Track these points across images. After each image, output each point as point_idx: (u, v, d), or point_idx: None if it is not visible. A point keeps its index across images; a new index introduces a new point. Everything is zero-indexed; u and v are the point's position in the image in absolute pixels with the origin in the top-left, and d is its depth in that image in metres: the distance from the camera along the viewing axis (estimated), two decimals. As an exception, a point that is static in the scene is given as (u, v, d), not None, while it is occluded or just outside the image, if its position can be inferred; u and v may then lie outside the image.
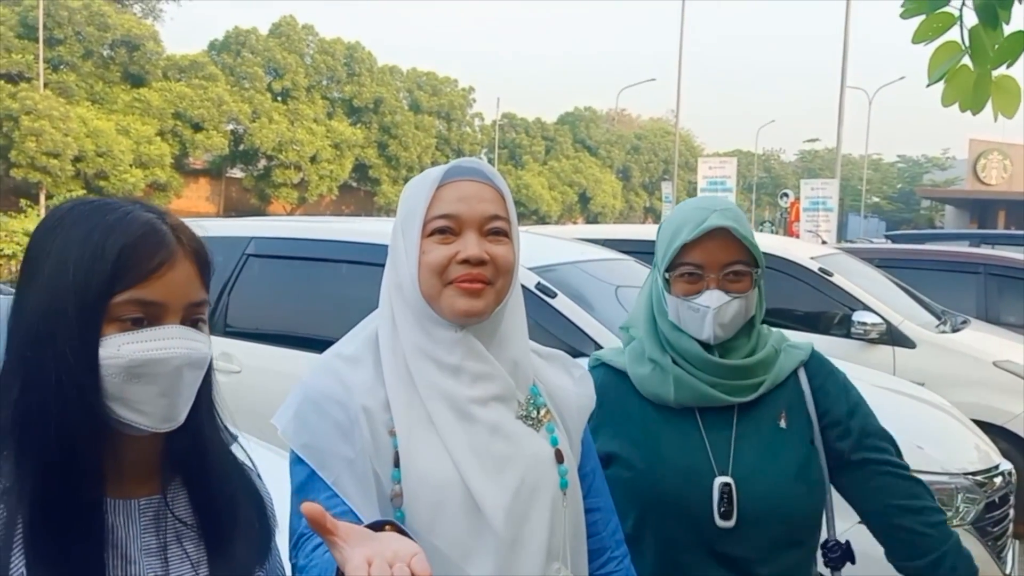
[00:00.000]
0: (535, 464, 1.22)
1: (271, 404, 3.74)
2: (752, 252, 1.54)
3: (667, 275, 1.56)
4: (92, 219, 0.97)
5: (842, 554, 1.67)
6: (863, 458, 1.60)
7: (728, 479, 1.51)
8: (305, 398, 1.24)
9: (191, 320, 1.00)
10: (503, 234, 1.24)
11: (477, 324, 1.22)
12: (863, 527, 2.59)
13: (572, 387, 1.36)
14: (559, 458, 1.26)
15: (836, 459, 1.60)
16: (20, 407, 0.94)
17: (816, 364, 1.66)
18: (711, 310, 1.51)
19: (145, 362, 0.94)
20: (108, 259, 0.94)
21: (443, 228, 1.22)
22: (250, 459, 1.18)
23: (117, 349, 0.93)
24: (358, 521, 1.21)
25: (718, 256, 1.52)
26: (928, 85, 2.56)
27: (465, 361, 1.21)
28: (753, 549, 1.51)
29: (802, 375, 1.63)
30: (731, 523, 1.50)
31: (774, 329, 1.69)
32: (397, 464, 1.18)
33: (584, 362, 1.56)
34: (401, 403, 1.21)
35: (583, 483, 1.35)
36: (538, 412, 1.27)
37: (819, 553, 1.67)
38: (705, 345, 1.55)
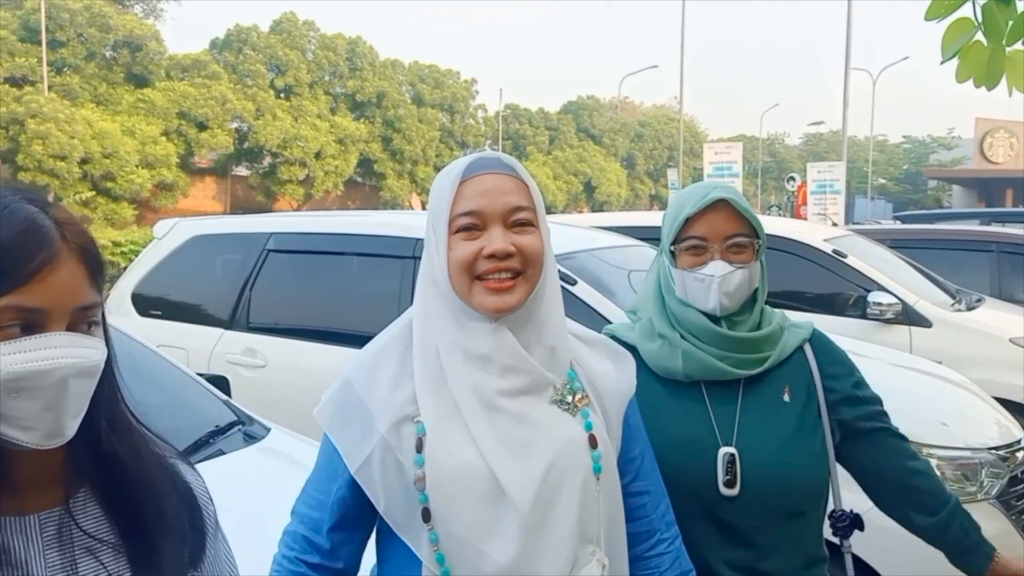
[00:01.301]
0: (565, 449, 1.24)
1: (296, 397, 3.81)
2: (753, 224, 1.61)
3: (672, 248, 1.63)
4: None
5: (851, 523, 1.72)
6: (873, 427, 1.68)
7: (732, 449, 1.57)
8: (339, 388, 1.31)
9: (80, 325, 0.90)
10: (529, 224, 1.26)
11: (511, 315, 1.24)
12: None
13: (612, 372, 1.37)
14: (593, 443, 1.27)
15: (848, 431, 1.67)
16: None
17: (819, 340, 1.73)
18: (716, 279, 1.58)
19: (25, 375, 0.85)
20: None
21: (468, 225, 1.24)
22: (177, 451, 1.12)
23: None
24: (348, 510, 1.29)
25: (720, 228, 1.60)
26: (942, 62, 2.58)
27: (496, 353, 1.23)
28: (756, 518, 1.57)
29: (808, 351, 1.69)
30: (735, 491, 1.55)
31: (775, 309, 1.75)
32: (420, 450, 1.22)
33: None
34: (429, 393, 1.25)
35: (630, 467, 1.37)
36: (574, 397, 1.29)
37: (827, 524, 1.72)
38: (712, 318, 1.61)
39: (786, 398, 1.64)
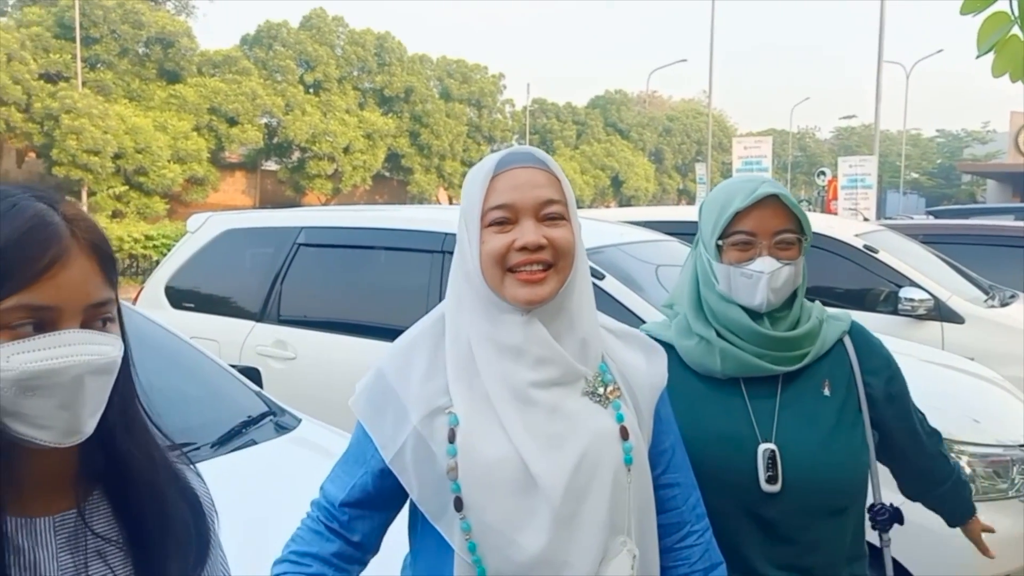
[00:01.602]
0: (597, 440, 1.25)
1: (326, 388, 3.86)
2: (800, 220, 1.60)
3: (719, 243, 1.60)
4: None
5: (890, 516, 1.72)
6: (904, 426, 1.71)
7: (772, 446, 1.56)
8: (372, 379, 1.33)
9: (94, 322, 0.90)
10: (560, 217, 1.27)
11: (542, 307, 1.26)
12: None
13: (644, 365, 1.38)
14: (624, 435, 1.28)
15: (884, 425, 1.67)
16: None
17: (859, 333, 1.72)
18: (765, 275, 1.56)
19: (39, 374, 0.84)
20: None
21: (500, 219, 1.25)
22: (187, 458, 1.12)
23: (6, 361, 0.83)
24: (367, 494, 1.32)
25: (770, 223, 1.58)
26: (978, 56, 2.55)
27: (528, 344, 1.25)
28: (797, 514, 1.56)
29: (848, 344, 1.68)
30: (777, 488, 1.54)
31: (814, 301, 1.74)
32: (452, 440, 1.24)
33: None
34: (461, 384, 1.27)
35: (661, 459, 1.38)
36: (605, 389, 1.30)
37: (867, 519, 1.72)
38: (752, 315, 1.60)
39: (826, 392, 1.62)
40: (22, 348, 0.84)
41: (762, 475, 1.55)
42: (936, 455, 1.77)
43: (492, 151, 1.43)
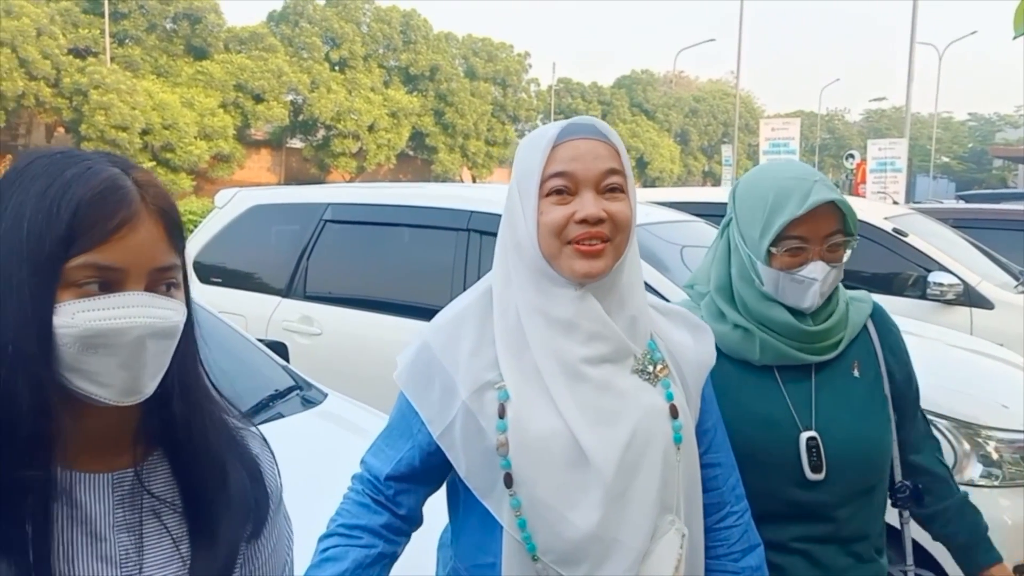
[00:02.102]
0: (647, 418, 1.24)
1: (351, 364, 3.90)
2: (849, 220, 1.55)
3: (772, 249, 1.54)
4: (51, 173, 0.89)
5: (911, 493, 1.71)
6: (915, 409, 1.71)
7: (813, 433, 1.54)
8: (417, 352, 1.31)
9: (159, 286, 0.91)
10: (620, 190, 1.25)
11: (596, 283, 1.24)
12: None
13: (691, 343, 1.37)
14: (674, 413, 1.27)
15: (897, 407, 1.66)
16: None
17: (879, 314, 1.70)
18: (818, 282, 1.52)
19: (101, 332, 0.86)
20: (63, 218, 0.86)
21: (560, 188, 1.23)
22: (257, 429, 1.13)
23: (71, 317, 0.85)
24: (414, 469, 1.31)
25: (822, 229, 1.52)
26: (1014, 38, 2.51)
27: (581, 319, 1.23)
28: (835, 495, 1.55)
29: (871, 327, 1.67)
30: (821, 476, 1.53)
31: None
32: (502, 416, 1.22)
33: None
34: (511, 359, 1.25)
35: (704, 438, 1.37)
36: (654, 367, 1.28)
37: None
38: (795, 313, 1.57)
39: (856, 374, 1.62)
40: (87, 306, 0.86)
41: (806, 463, 1.53)
42: (935, 461, 1.74)
43: (517, 132, 1.41)
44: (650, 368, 1.28)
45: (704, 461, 1.36)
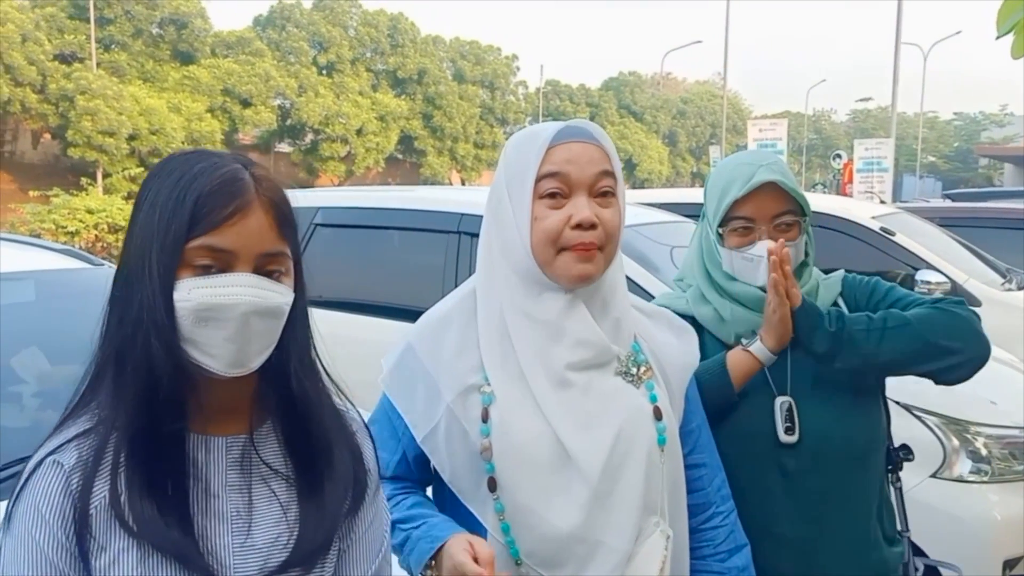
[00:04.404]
0: (631, 420, 1.25)
1: (345, 368, 3.89)
2: (799, 201, 1.62)
3: (720, 230, 1.64)
4: (183, 167, 1.00)
5: (899, 450, 1.76)
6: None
7: (788, 398, 1.60)
8: (402, 355, 1.32)
9: (265, 270, 1.00)
10: (611, 194, 1.26)
11: (584, 287, 1.25)
12: (934, 481, 2.61)
13: (676, 344, 1.38)
14: (658, 415, 1.28)
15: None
16: (115, 341, 0.99)
17: (847, 286, 1.73)
18: (764, 259, 1.58)
19: (211, 307, 0.96)
20: (187, 205, 0.96)
21: (554, 191, 1.23)
22: (359, 415, 1.19)
23: (188, 292, 0.96)
24: (408, 466, 1.33)
25: (768, 208, 1.61)
26: (997, 37, 2.53)
27: (568, 323, 1.24)
28: (818, 462, 1.59)
29: (841, 304, 1.71)
30: (794, 438, 1.58)
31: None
32: (485, 420, 1.23)
33: None
34: (496, 362, 1.25)
35: (689, 439, 1.37)
36: (638, 369, 1.30)
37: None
38: (762, 287, 1.62)
39: None
40: (201, 283, 0.97)
41: (780, 426, 1.58)
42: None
43: (506, 135, 1.42)
44: (634, 370, 1.30)
45: (689, 462, 1.37)
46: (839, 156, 22.10)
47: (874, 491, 1.66)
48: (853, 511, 1.62)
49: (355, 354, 3.90)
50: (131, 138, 26.58)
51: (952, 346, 1.55)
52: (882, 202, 13.56)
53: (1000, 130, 52.92)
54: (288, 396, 1.07)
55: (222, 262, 0.98)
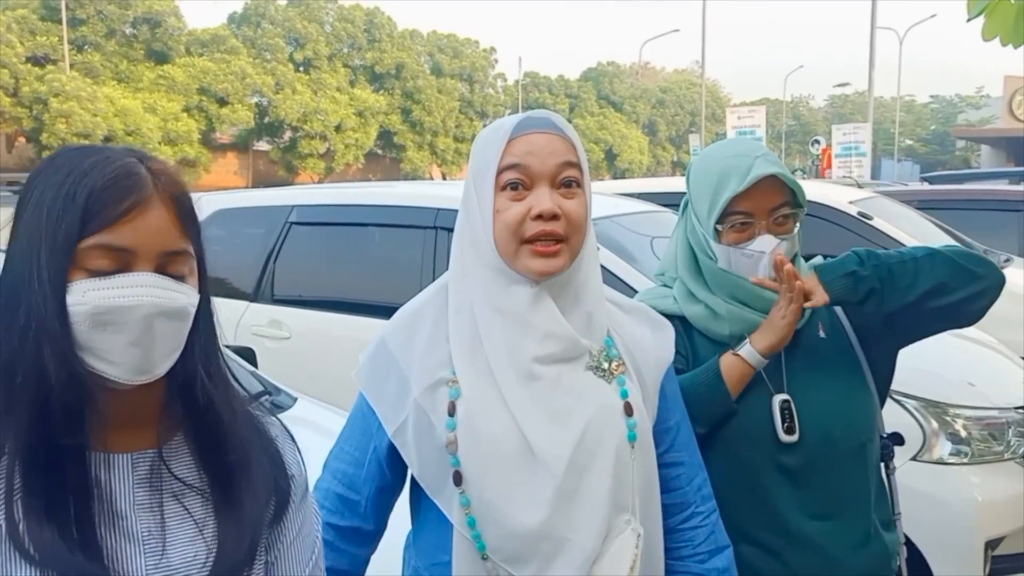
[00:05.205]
0: (600, 416, 1.23)
1: (320, 367, 3.85)
2: (795, 193, 1.58)
3: (718, 227, 1.58)
4: (72, 163, 0.93)
5: (890, 437, 1.75)
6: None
7: (786, 396, 1.56)
8: (375, 349, 1.31)
9: (167, 271, 0.94)
10: (576, 184, 1.24)
11: (551, 280, 1.23)
12: (915, 464, 2.61)
13: (651, 339, 1.36)
14: (628, 411, 1.26)
15: (871, 320, 1.62)
16: (2, 354, 0.91)
17: (821, 271, 1.66)
18: (766, 255, 1.54)
19: (109, 309, 0.89)
20: (78, 203, 0.90)
21: (515, 182, 1.22)
22: (279, 421, 1.14)
23: (82, 295, 0.89)
24: (383, 468, 1.31)
25: (766, 202, 1.56)
26: (968, 20, 2.53)
27: (536, 317, 1.22)
28: (818, 459, 1.57)
29: None
30: (795, 437, 1.55)
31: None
32: (452, 414, 1.22)
33: None
34: (465, 356, 1.24)
35: (666, 437, 1.35)
36: (610, 364, 1.28)
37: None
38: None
39: (822, 334, 1.64)
40: (97, 285, 0.90)
41: (779, 425, 1.55)
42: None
43: (485, 126, 1.40)
44: (605, 365, 1.27)
45: (666, 460, 1.34)
46: (817, 142, 22.25)
47: (873, 480, 1.65)
48: (856, 503, 1.60)
49: (334, 352, 3.92)
50: (106, 139, 26.31)
51: (977, 270, 1.53)
52: (859, 186, 13.63)
53: (977, 112, 53.40)
54: (197, 405, 1.00)
55: (120, 262, 0.91)
